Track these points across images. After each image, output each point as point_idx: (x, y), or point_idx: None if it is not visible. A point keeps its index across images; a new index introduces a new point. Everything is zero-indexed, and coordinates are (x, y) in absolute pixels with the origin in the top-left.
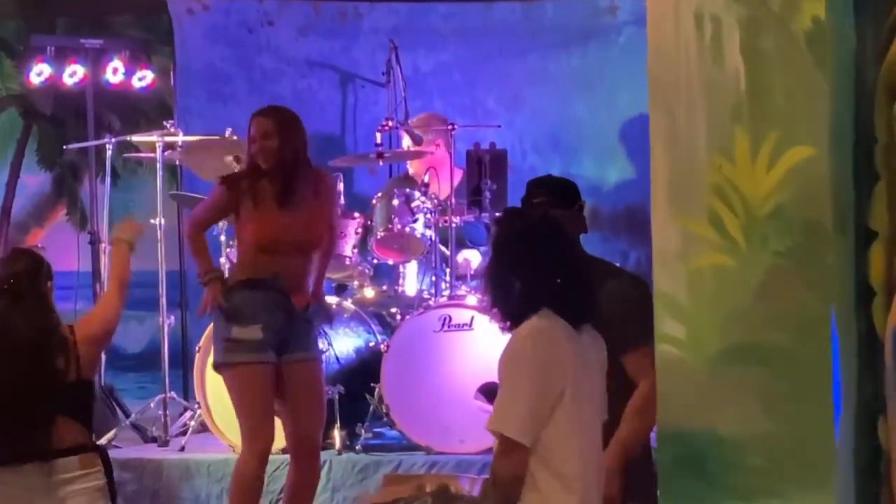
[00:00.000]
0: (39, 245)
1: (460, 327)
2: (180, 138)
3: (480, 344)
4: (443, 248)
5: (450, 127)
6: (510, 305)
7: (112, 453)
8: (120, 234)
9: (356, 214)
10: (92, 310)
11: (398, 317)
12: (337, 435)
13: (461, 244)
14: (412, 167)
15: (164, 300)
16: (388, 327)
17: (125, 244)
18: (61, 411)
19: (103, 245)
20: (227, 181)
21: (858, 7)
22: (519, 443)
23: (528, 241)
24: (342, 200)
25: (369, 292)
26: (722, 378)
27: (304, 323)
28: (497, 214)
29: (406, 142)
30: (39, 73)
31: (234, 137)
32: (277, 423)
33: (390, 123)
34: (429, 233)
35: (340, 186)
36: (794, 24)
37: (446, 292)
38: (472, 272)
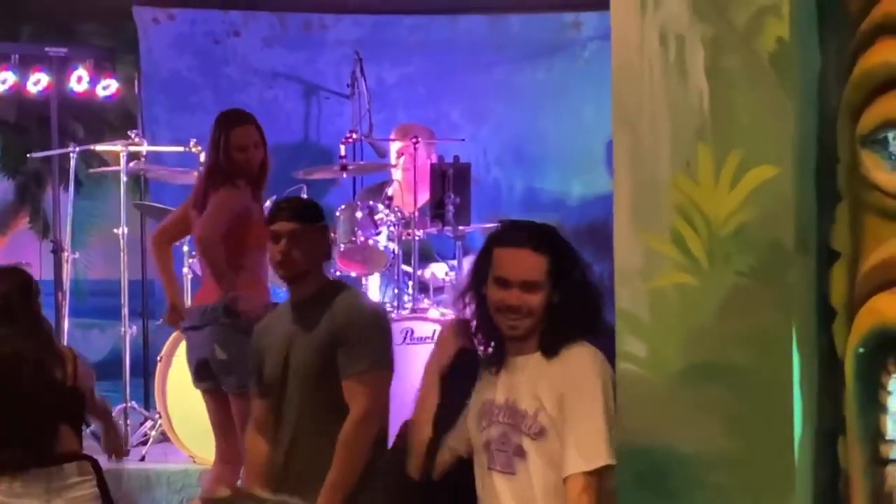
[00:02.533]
0: (24, 262)
1: (422, 340)
2: (144, 148)
3: None
4: (405, 266)
5: (413, 140)
6: (561, 330)
7: None
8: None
9: None
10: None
11: None
12: None
13: (428, 257)
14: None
15: (125, 310)
16: None
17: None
18: (62, 419)
19: (65, 254)
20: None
21: (823, 28)
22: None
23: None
24: None
25: None
26: (683, 396)
27: None
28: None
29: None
30: (3, 80)
31: (199, 148)
32: None
33: (354, 136)
34: (392, 245)
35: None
36: (759, 44)
37: (409, 305)
38: (439, 285)
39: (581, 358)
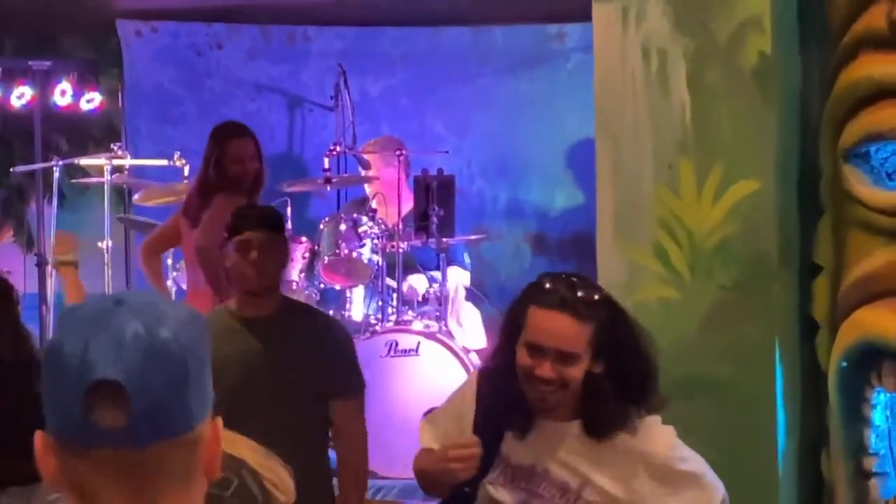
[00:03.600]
0: (4, 270)
1: (406, 353)
2: (128, 161)
3: (426, 369)
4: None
5: (398, 152)
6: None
7: None
8: (62, 257)
9: (303, 239)
10: None
11: None
12: None
13: (411, 269)
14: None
15: None
16: None
17: (70, 266)
18: None
19: (49, 267)
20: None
21: (804, 43)
22: None
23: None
24: (288, 225)
25: None
26: (667, 409)
27: None
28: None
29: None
30: None
31: (183, 161)
32: None
33: (338, 148)
34: (376, 258)
35: (288, 211)
36: (740, 58)
37: (393, 317)
38: (421, 297)
39: (661, 437)
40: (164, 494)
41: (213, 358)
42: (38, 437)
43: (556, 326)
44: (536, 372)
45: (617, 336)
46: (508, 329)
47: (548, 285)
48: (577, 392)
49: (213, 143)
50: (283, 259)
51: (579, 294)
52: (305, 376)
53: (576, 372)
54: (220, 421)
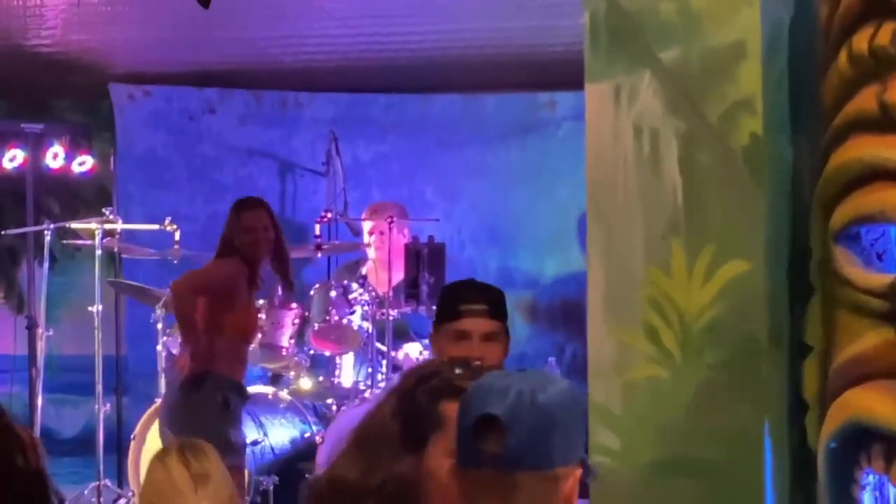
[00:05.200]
0: None
1: None
2: (119, 226)
3: None
4: (379, 345)
5: (388, 220)
6: None
7: None
8: None
9: (293, 305)
10: None
11: (334, 408)
12: None
13: (403, 336)
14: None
15: (100, 387)
16: (324, 418)
17: None
18: None
19: (39, 330)
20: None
21: (795, 124)
22: None
23: None
24: (279, 291)
25: (305, 383)
26: (656, 489)
27: None
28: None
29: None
30: None
31: (174, 226)
32: None
33: (329, 214)
34: (366, 325)
35: None
36: (732, 139)
37: (383, 384)
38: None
39: None
40: None
41: None
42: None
43: None
44: None
45: None
46: None
47: None
48: None
49: (231, 213)
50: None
51: None
52: None
53: None
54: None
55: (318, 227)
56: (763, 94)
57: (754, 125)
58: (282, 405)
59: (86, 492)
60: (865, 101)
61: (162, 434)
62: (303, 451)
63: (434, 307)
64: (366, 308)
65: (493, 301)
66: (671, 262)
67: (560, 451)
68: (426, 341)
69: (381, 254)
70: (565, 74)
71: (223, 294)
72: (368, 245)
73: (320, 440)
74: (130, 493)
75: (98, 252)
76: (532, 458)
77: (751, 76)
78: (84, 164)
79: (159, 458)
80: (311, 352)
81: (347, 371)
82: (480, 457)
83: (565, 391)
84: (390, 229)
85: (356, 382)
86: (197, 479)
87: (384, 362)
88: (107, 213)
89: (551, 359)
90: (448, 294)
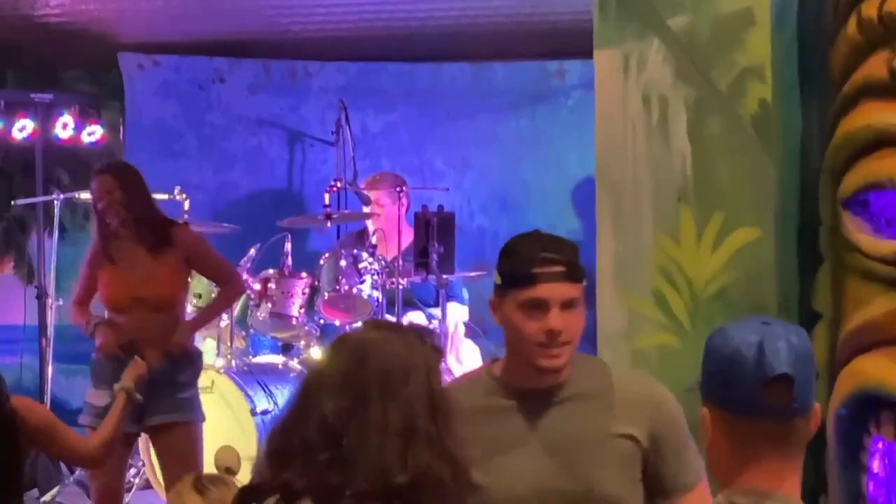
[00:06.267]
0: None
1: None
2: None
3: None
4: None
5: (398, 189)
6: None
7: None
8: (124, 383)
9: (303, 274)
10: (68, 430)
11: None
12: None
13: (409, 305)
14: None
15: None
16: None
17: (124, 393)
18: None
19: (49, 300)
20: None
21: (805, 91)
22: None
23: None
24: (289, 260)
25: (316, 353)
26: None
27: (164, 386)
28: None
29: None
30: None
31: (184, 196)
32: None
33: (339, 184)
34: (376, 294)
35: (288, 246)
36: (741, 107)
37: None
38: None
39: None
40: (793, 457)
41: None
42: (705, 412)
43: None
44: None
45: None
46: None
47: None
48: None
49: None
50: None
51: None
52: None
53: None
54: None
55: (327, 196)
56: (772, 61)
57: (763, 92)
58: (292, 374)
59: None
60: (875, 67)
61: None
62: None
63: (443, 276)
64: (375, 277)
65: (571, 259)
66: (680, 229)
67: (812, 394)
68: (430, 310)
69: (390, 223)
70: (575, 43)
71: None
72: (378, 214)
73: None
74: (140, 463)
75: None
76: (805, 403)
77: (760, 43)
78: (93, 133)
79: (177, 491)
80: (322, 321)
81: None
82: (765, 409)
83: (804, 336)
84: (400, 198)
85: None
86: None
87: None
88: None
89: None
90: (515, 253)
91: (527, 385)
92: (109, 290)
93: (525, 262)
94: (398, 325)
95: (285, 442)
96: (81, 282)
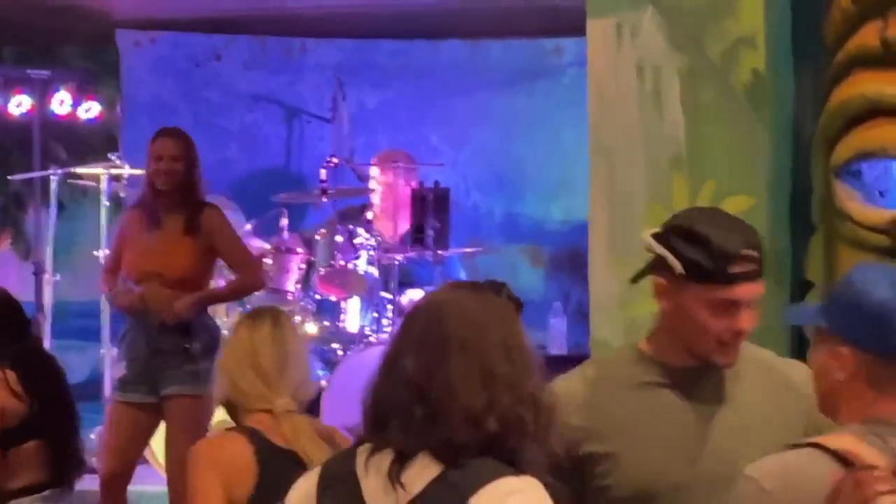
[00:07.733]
0: None
1: None
2: (126, 171)
3: None
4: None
5: (394, 165)
6: None
7: None
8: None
9: (299, 250)
10: None
11: (339, 353)
12: None
13: (405, 282)
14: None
15: (107, 332)
16: (330, 363)
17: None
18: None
19: (46, 275)
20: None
21: (798, 61)
22: None
23: None
24: (285, 235)
25: (311, 328)
26: None
27: (174, 356)
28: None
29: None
30: None
31: None
32: None
33: (335, 160)
34: (371, 269)
35: (284, 222)
36: (734, 75)
37: (388, 329)
38: None
39: None
40: None
41: None
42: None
43: None
44: None
45: None
46: None
47: None
48: None
49: None
50: None
51: None
52: None
53: None
54: None
55: (323, 172)
56: (765, 30)
57: (756, 61)
58: None
59: (92, 436)
60: (867, 36)
61: None
62: None
63: (439, 252)
64: (371, 253)
65: (761, 253)
66: (672, 197)
67: None
68: (430, 287)
69: (386, 200)
70: (571, 21)
71: (120, 233)
72: (374, 191)
73: (325, 384)
74: None
75: (104, 198)
76: None
77: (753, 12)
78: (90, 110)
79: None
80: (317, 296)
81: (353, 316)
82: None
83: None
84: (396, 174)
85: (362, 327)
86: None
87: (389, 307)
88: (113, 158)
89: (557, 303)
90: (709, 244)
91: (681, 364)
92: (128, 260)
93: (723, 258)
94: (475, 283)
95: (378, 406)
96: (112, 250)
